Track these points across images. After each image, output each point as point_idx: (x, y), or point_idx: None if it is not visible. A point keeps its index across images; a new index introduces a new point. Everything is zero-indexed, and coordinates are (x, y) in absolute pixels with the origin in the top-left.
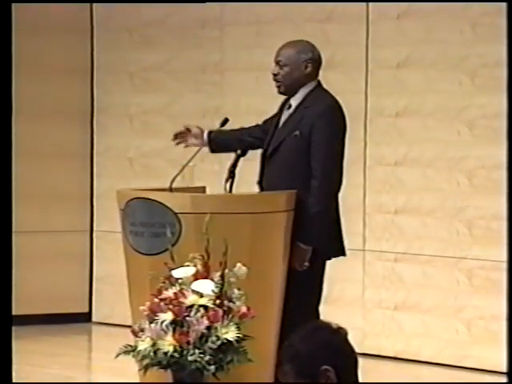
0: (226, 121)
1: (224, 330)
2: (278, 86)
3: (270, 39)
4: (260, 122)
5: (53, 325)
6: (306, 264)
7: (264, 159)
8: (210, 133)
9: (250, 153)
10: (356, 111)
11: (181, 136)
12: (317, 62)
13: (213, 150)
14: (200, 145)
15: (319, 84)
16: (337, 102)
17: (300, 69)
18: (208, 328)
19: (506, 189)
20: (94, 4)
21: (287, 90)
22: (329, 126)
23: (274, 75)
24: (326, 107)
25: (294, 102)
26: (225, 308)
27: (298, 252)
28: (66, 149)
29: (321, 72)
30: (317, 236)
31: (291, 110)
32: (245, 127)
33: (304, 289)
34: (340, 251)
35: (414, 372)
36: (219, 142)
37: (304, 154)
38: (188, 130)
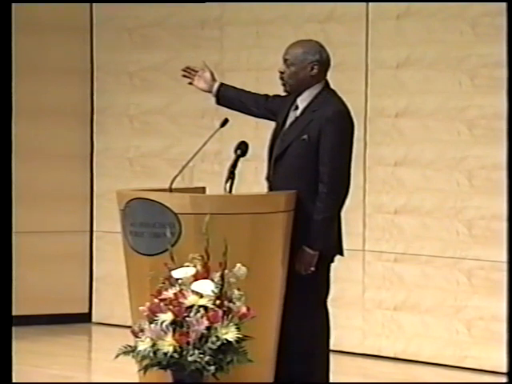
0: (225, 121)
1: (224, 331)
2: (284, 84)
3: (270, 40)
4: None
5: (53, 325)
6: (312, 269)
7: (270, 159)
8: (221, 85)
9: (250, 153)
10: (356, 111)
11: (190, 72)
12: (324, 64)
13: (218, 102)
14: (205, 89)
15: (327, 85)
16: (345, 106)
17: (306, 70)
18: (208, 328)
19: (506, 189)
20: (94, 4)
21: (292, 88)
22: (337, 132)
23: (281, 73)
24: (334, 112)
25: (301, 103)
26: (225, 308)
27: (304, 257)
28: (66, 149)
29: None
30: (324, 242)
31: (298, 112)
32: (254, 93)
33: (310, 288)
34: (338, 250)
35: (414, 372)
36: (225, 96)
37: (312, 157)
38: (201, 70)
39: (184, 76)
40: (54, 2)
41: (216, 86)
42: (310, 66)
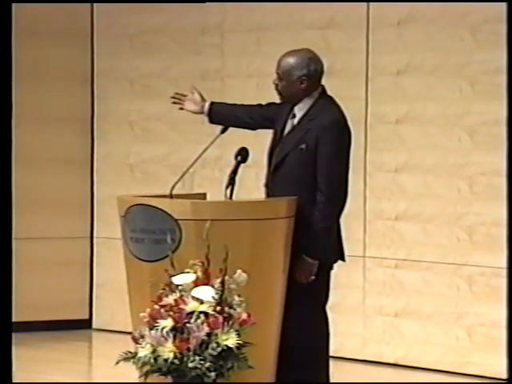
0: (226, 127)
1: (224, 337)
2: (279, 95)
3: (271, 46)
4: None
5: (53, 331)
6: (312, 277)
7: (269, 167)
8: (211, 104)
9: (251, 160)
10: (356, 118)
11: (179, 98)
12: (313, 77)
13: (211, 121)
14: (197, 111)
15: (324, 92)
16: (342, 114)
17: (295, 85)
18: (208, 335)
19: (506, 195)
20: (95, 10)
21: (288, 99)
22: (334, 141)
23: (276, 85)
24: (331, 121)
25: (298, 112)
26: (225, 315)
27: (304, 266)
28: (67, 155)
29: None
30: (324, 250)
31: (295, 120)
32: (247, 104)
33: (309, 294)
34: (340, 257)
35: (415, 379)
36: (217, 113)
37: (310, 166)
38: (190, 94)
39: (174, 103)
40: (54, 2)
41: (207, 105)
42: (299, 80)
